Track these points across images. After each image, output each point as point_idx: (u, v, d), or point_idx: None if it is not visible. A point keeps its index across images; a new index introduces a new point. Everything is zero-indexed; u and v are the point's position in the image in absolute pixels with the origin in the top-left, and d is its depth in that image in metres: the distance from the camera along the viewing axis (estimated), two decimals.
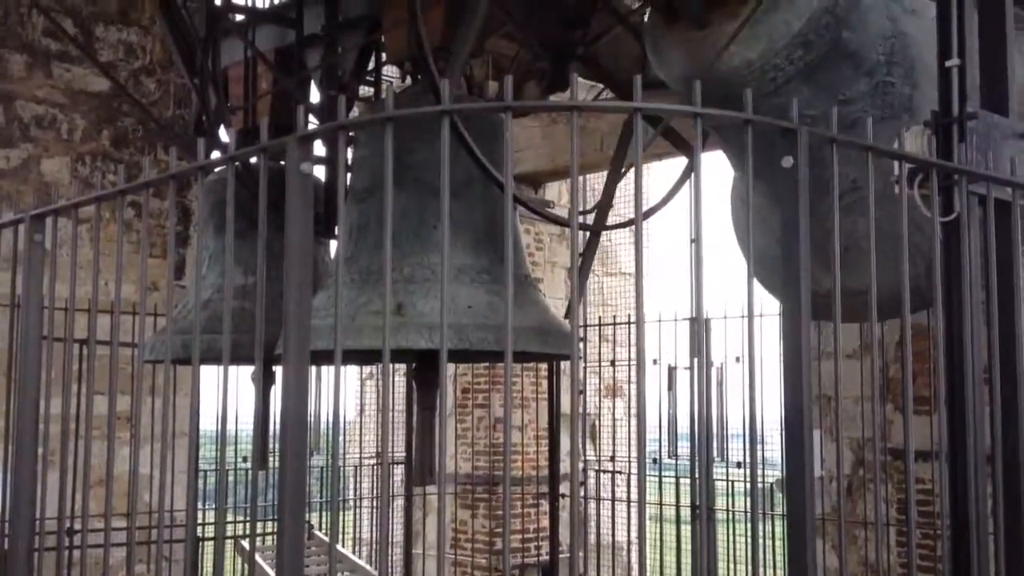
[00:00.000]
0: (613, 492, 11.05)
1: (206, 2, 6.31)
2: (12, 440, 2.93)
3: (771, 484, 9.67)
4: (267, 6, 6.36)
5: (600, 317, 10.28)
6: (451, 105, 1.95)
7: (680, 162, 5.60)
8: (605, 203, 5.37)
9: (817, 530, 2.13)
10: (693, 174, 2.11)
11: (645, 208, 4.49)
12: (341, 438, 12.84)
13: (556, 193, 11.33)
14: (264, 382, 3.89)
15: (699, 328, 1.96)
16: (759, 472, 2.45)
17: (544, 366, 9.70)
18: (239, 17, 6.32)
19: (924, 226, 2.70)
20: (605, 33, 5.49)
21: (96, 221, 2.76)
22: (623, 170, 5.39)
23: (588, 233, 5.49)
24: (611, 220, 6.40)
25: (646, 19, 4.45)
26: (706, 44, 3.60)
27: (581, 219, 5.90)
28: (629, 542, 11.76)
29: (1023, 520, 2.85)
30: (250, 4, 6.40)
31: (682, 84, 3.81)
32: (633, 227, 7.33)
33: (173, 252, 7.66)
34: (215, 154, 4.86)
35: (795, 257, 2.04)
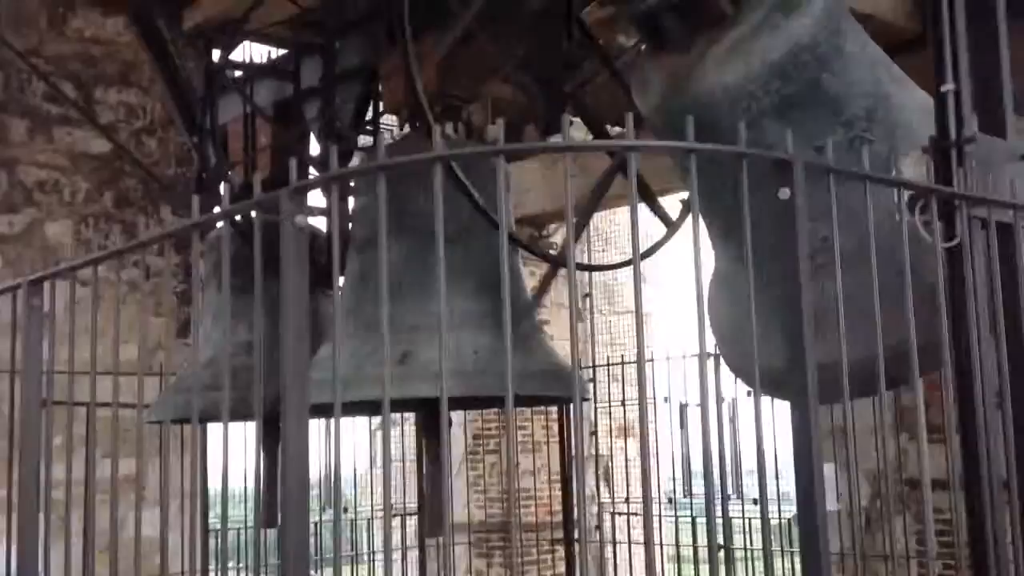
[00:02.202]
0: (629, 535, 10.94)
1: (203, 59, 6.37)
2: (15, 508, 2.90)
3: (788, 520, 9.55)
4: (264, 61, 6.41)
5: (608, 357, 10.22)
6: (444, 151, 1.94)
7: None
8: (576, 237, 5.38)
9: (836, 566, 2.09)
10: (691, 212, 2.09)
11: (647, 246, 4.48)
12: (352, 491, 12.74)
13: (561, 235, 11.31)
14: (270, 439, 3.86)
15: (702, 364, 1.93)
16: (770, 507, 2.41)
17: (555, 409, 9.65)
18: (237, 73, 6.36)
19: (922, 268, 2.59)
20: (594, 77, 5.50)
21: (95, 283, 2.75)
22: (597, 208, 5.39)
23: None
24: (615, 259, 6.38)
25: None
26: (681, 67, 3.57)
27: (579, 259, 5.89)
28: None
29: None
30: (248, 59, 6.45)
31: (655, 113, 3.74)
32: (642, 264, 7.29)
33: (174, 310, 7.62)
34: (215, 210, 4.87)
35: (796, 286, 2.02)
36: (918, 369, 2.41)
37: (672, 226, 4.86)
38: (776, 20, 3.43)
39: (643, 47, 4.13)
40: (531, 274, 10.51)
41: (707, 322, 2.17)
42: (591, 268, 5.45)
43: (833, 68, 3.48)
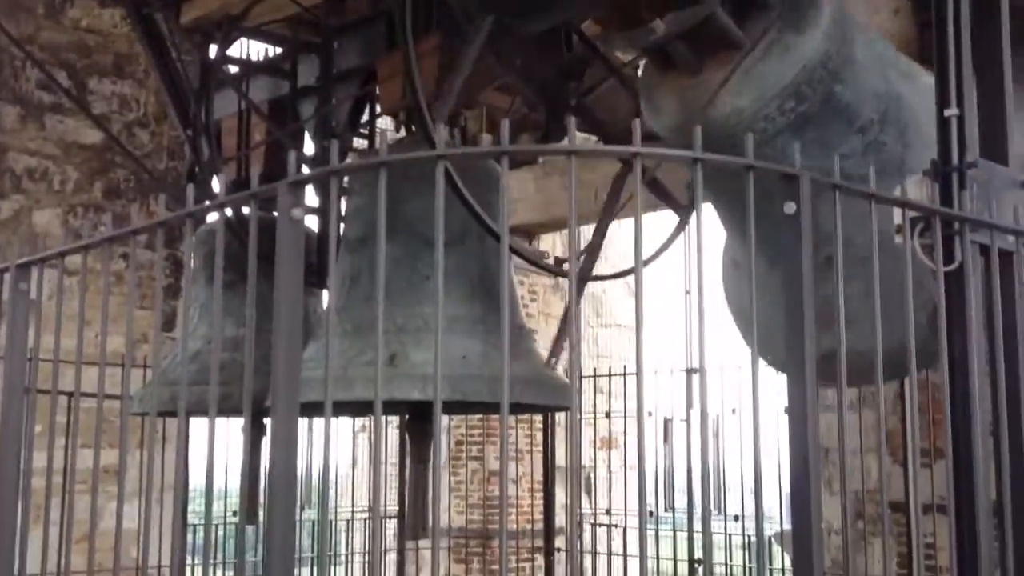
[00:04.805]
0: (609, 546, 10.90)
1: (200, 54, 6.33)
2: None
3: (769, 538, 9.53)
4: (261, 58, 6.37)
5: (595, 368, 10.20)
6: (445, 150, 1.91)
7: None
8: (596, 246, 5.34)
9: None
10: (694, 222, 2.07)
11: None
12: (333, 492, 12.73)
13: (550, 245, 11.30)
14: (254, 434, 3.82)
15: (701, 378, 1.91)
16: (751, 524, 2.38)
17: (539, 417, 9.62)
18: (234, 69, 6.33)
19: (923, 280, 2.66)
20: (598, 85, 5.49)
21: (83, 271, 2.71)
22: (614, 217, 5.39)
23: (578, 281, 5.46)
24: (605, 271, 6.35)
25: (640, 72, 4.44)
26: (698, 92, 3.57)
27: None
28: None
29: None
30: (244, 56, 6.41)
31: (673, 133, 3.76)
32: (627, 278, 7.26)
33: (160, 303, 7.58)
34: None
35: (799, 308, 1.99)
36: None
37: (670, 238, 4.86)
38: (786, 40, 3.42)
39: (644, 61, 4.11)
40: (520, 283, 10.50)
41: (700, 338, 2.14)
42: (589, 279, 5.42)
43: (844, 78, 3.49)
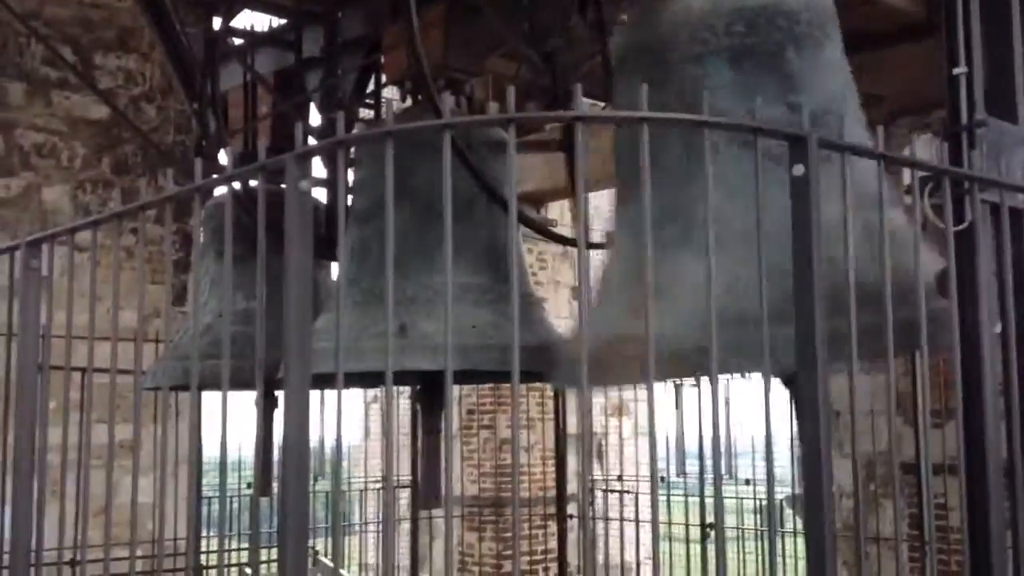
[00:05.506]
0: (621, 512, 10.97)
1: (204, 27, 6.30)
2: (10, 471, 2.88)
3: (780, 501, 9.59)
4: (266, 29, 6.34)
5: None
6: (452, 119, 1.91)
7: None
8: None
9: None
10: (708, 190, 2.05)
11: None
12: (345, 462, 12.79)
13: (558, 212, 11.30)
14: (266, 407, 3.84)
15: (713, 343, 1.91)
16: (761, 488, 2.40)
17: (549, 386, 9.65)
18: (238, 41, 6.30)
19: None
20: (597, 52, 5.45)
21: (93, 247, 2.72)
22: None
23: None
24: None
25: None
26: None
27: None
28: (638, 562, 11.68)
29: None
30: (249, 28, 6.38)
31: (618, 48, 3.65)
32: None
33: (171, 277, 7.60)
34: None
35: (807, 271, 1.99)
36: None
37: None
38: None
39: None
40: (528, 251, 10.51)
41: (710, 301, 2.14)
42: (598, 246, 5.40)
43: (802, 50, 3.34)
